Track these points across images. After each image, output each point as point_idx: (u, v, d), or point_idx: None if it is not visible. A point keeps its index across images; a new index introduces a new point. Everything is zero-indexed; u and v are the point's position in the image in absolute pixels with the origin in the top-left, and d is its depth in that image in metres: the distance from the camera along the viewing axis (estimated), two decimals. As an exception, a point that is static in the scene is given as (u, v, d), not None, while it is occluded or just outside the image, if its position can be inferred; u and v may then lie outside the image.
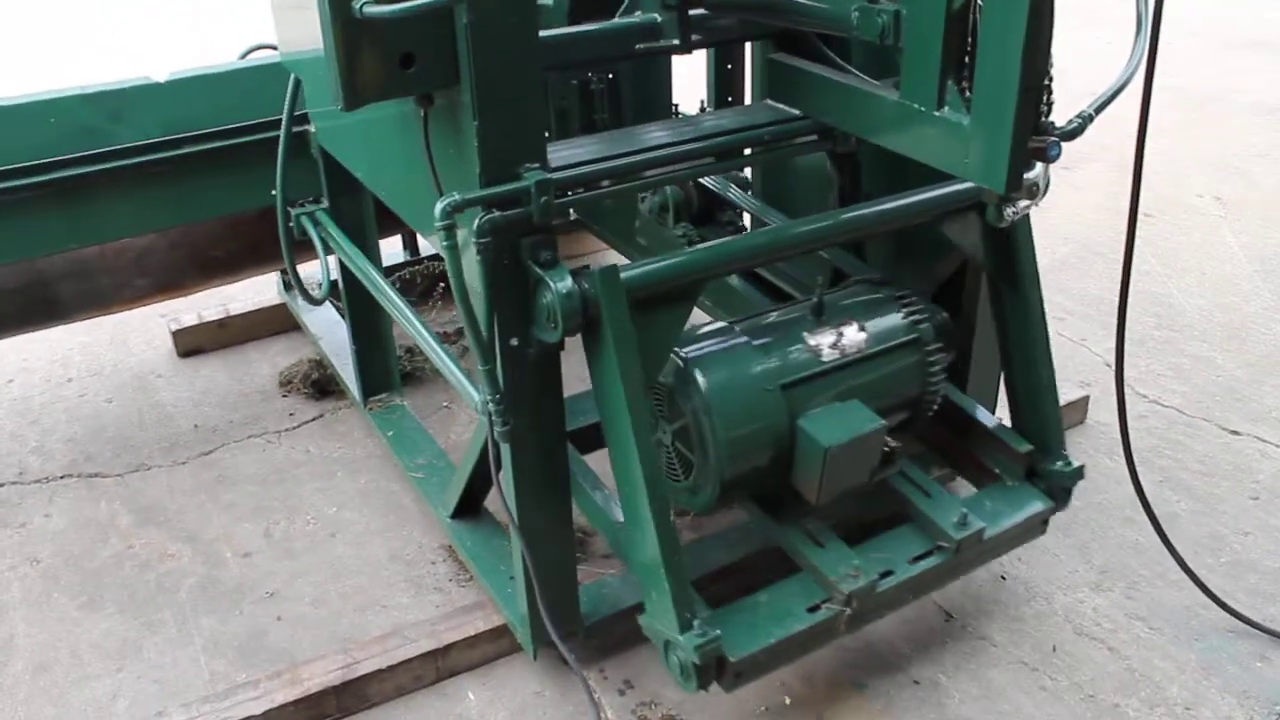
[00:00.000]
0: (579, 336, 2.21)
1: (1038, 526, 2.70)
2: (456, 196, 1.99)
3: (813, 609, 2.36)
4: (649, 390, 2.44)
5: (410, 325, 2.69)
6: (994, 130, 1.96)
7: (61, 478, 3.52)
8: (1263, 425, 3.62)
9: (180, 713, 2.55)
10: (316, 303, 3.47)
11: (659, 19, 2.65)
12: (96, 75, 3.40)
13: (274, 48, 3.21)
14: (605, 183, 2.43)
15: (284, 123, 3.10)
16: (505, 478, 2.38)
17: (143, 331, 4.30)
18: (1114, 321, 2.57)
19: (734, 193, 3.39)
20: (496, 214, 2.03)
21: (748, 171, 3.56)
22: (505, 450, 2.33)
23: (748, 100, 3.53)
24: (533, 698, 2.67)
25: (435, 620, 2.77)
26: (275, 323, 4.27)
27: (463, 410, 3.73)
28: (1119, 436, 2.68)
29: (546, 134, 2.14)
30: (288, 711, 2.55)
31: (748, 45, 3.38)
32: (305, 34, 2.21)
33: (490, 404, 2.19)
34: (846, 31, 2.25)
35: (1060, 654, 2.75)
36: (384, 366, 3.63)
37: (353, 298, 3.39)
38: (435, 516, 3.13)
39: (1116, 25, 5.13)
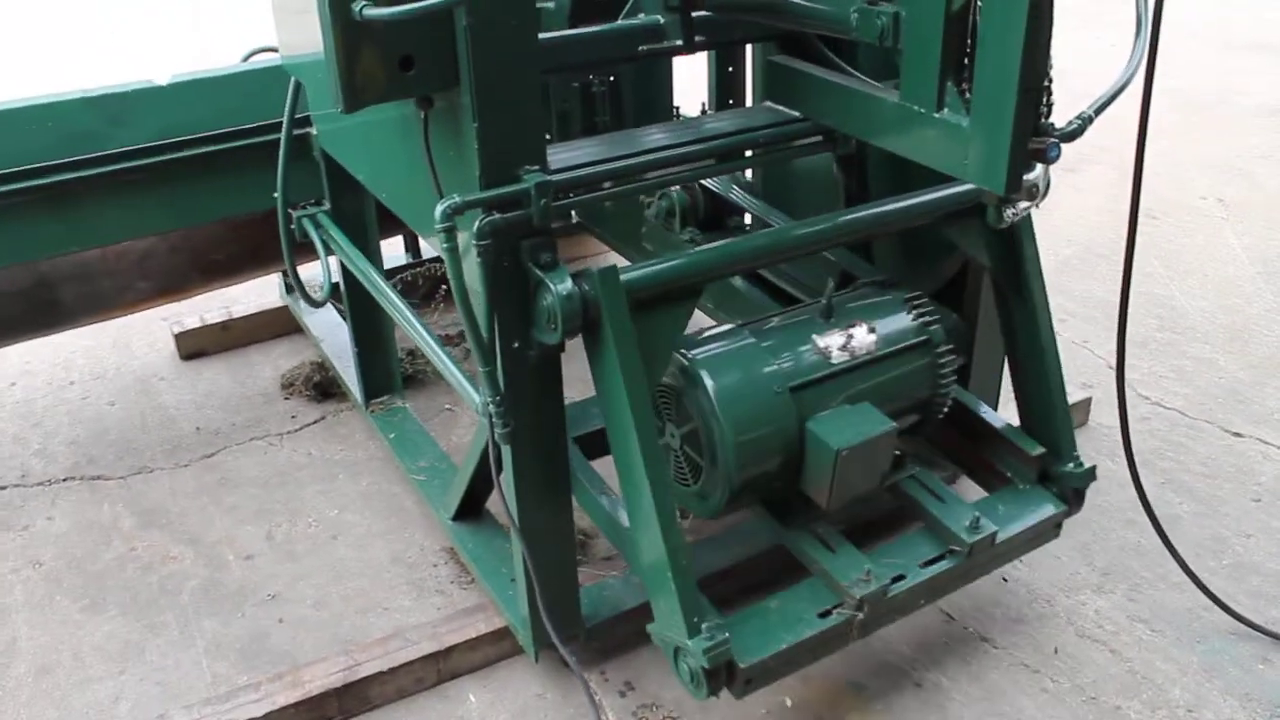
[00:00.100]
0: (582, 340, 2.21)
1: (1050, 530, 2.68)
2: (456, 199, 2.00)
3: (824, 614, 2.34)
4: (655, 393, 2.44)
5: (411, 327, 2.69)
6: (993, 132, 1.96)
7: (64, 480, 3.52)
8: (1265, 427, 3.61)
9: (182, 715, 2.55)
10: (318, 305, 3.47)
11: (662, 21, 2.66)
12: (96, 75, 3.41)
13: (275, 50, 3.21)
14: (606, 185, 2.43)
15: (285, 125, 3.10)
16: (506, 480, 2.38)
17: (145, 334, 4.30)
18: (1116, 323, 2.56)
19: (736, 194, 3.39)
20: (496, 216, 2.03)
21: (752, 175, 3.56)
22: (506, 452, 2.34)
23: (749, 103, 3.54)
24: (534, 700, 2.67)
25: (437, 622, 2.78)
26: (277, 325, 4.28)
27: (465, 413, 3.73)
28: (1121, 438, 2.68)
29: (547, 136, 2.14)
30: (289, 714, 2.55)
31: (749, 47, 3.38)
32: (305, 37, 2.22)
33: (491, 406, 2.19)
34: (846, 33, 2.25)
35: (1062, 656, 2.75)
36: (386, 369, 3.63)
37: (354, 300, 3.40)
38: (437, 519, 3.14)
39: (1118, 27, 5.14)
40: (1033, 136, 1.95)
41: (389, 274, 3.65)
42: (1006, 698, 2.63)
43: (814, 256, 2.79)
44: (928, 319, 2.60)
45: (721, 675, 2.22)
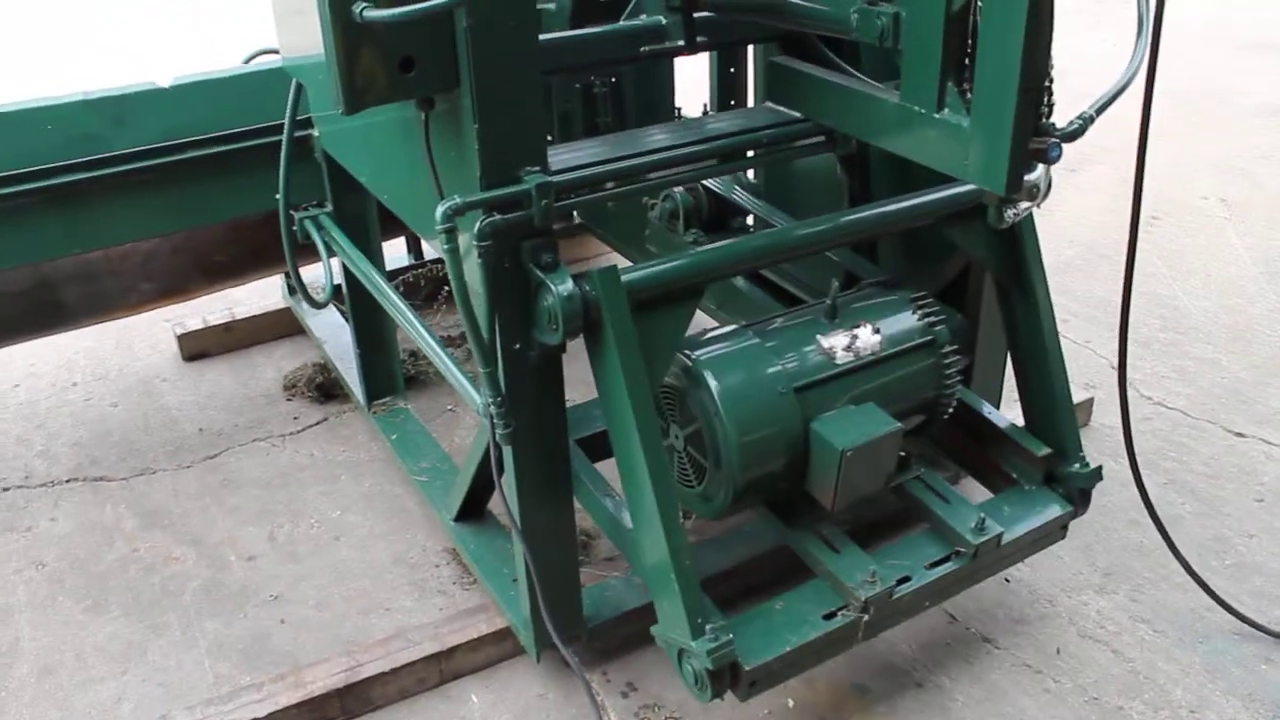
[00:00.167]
0: (584, 341, 2.21)
1: (1056, 531, 2.66)
2: (457, 200, 2.00)
3: (829, 616, 2.34)
4: (658, 393, 2.44)
5: (413, 329, 2.69)
6: (994, 132, 1.95)
7: (67, 481, 3.53)
8: (1268, 427, 3.61)
9: (184, 715, 2.56)
10: (320, 306, 3.48)
11: (663, 21, 2.66)
12: (97, 76, 3.41)
13: (277, 52, 3.22)
14: (608, 185, 2.43)
15: (286, 127, 3.10)
16: (507, 480, 2.38)
17: (148, 336, 4.31)
18: (1118, 324, 2.56)
19: (739, 195, 3.39)
20: (497, 217, 2.03)
21: (754, 175, 3.56)
22: (507, 453, 2.34)
23: (751, 104, 3.54)
24: (536, 700, 2.67)
25: (439, 623, 2.78)
26: (280, 327, 4.29)
27: (467, 414, 3.73)
28: (1123, 439, 2.68)
29: (549, 137, 2.14)
30: (291, 714, 2.56)
31: (751, 48, 3.38)
32: (306, 39, 2.22)
33: (492, 407, 2.19)
34: (846, 33, 2.24)
35: (1064, 656, 2.74)
36: (388, 370, 3.64)
37: (356, 302, 3.40)
38: (439, 520, 3.14)
39: (1120, 26, 5.13)
40: (1033, 137, 1.94)
41: (391, 275, 3.65)
42: (1009, 698, 2.63)
43: (818, 257, 2.79)
44: (933, 319, 2.60)
45: (726, 677, 2.21)
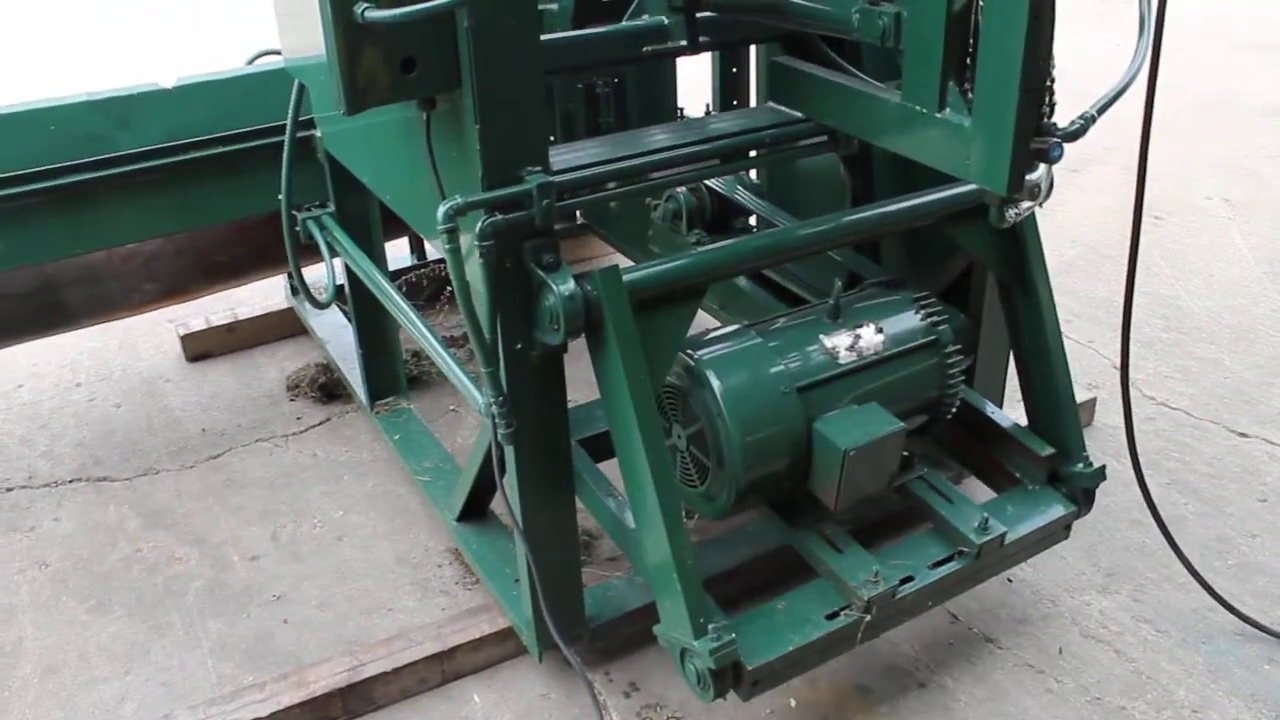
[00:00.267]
0: (585, 341, 2.21)
1: (1060, 531, 2.66)
2: (459, 200, 2.00)
3: (831, 616, 2.33)
4: (661, 393, 2.44)
5: (416, 329, 2.69)
6: (995, 132, 1.95)
7: (70, 482, 3.53)
8: (1270, 427, 3.60)
9: (187, 715, 2.56)
10: (322, 307, 3.48)
11: (666, 22, 2.66)
12: (97, 76, 3.42)
13: (279, 53, 3.22)
14: (610, 185, 2.43)
15: (289, 128, 3.11)
16: (509, 480, 2.38)
17: (151, 336, 4.32)
18: (1121, 324, 2.56)
19: (742, 195, 3.39)
20: (499, 217, 2.03)
21: (757, 175, 3.56)
22: (509, 453, 2.34)
23: (753, 104, 3.54)
24: (538, 700, 2.67)
25: (441, 623, 2.78)
26: (283, 327, 4.29)
27: (469, 414, 3.74)
28: (1126, 439, 2.68)
29: (551, 137, 2.14)
30: (294, 714, 2.56)
31: (753, 48, 3.38)
32: (308, 39, 2.22)
33: (493, 407, 2.19)
34: (848, 33, 2.24)
35: (1066, 656, 2.74)
36: (390, 370, 3.64)
37: (359, 302, 3.40)
38: (441, 520, 3.14)
39: (1124, 26, 5.13)
40: (1035, 136, 1.94)
41: (393, 275, 3.65)
42: (1011, 698, 2.63)
43: (821, 257, 2.79)
44: (936, 319, 2.59)
45: (728, 677, 2.21)
